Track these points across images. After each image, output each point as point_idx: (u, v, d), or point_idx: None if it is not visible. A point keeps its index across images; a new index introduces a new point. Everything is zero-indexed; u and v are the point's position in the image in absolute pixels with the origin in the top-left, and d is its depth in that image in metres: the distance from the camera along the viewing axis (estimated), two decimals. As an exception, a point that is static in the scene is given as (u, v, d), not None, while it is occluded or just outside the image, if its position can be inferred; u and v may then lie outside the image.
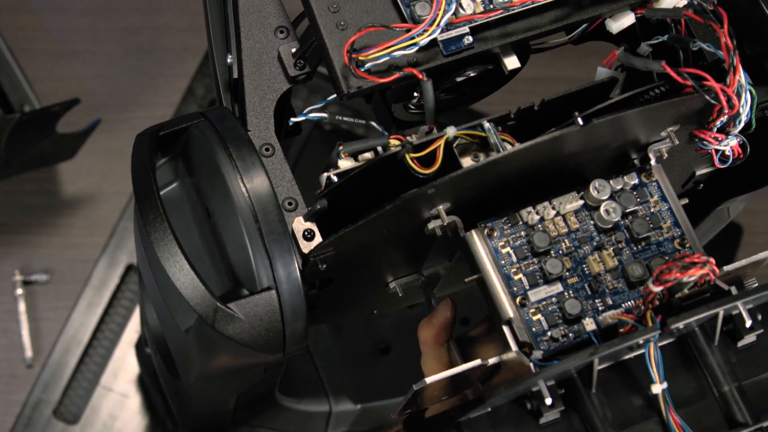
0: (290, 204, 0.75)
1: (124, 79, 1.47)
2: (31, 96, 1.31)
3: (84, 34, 1.48)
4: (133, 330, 1.39)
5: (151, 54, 1.48)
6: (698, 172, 0.83)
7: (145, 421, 1.36)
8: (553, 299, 0.74)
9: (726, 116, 0.73)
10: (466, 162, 0.74)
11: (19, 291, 1.40)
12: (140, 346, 1.35)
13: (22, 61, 1.33)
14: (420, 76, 0.72)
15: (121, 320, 1.40)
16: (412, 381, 1.16)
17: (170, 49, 1.48)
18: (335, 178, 0.73)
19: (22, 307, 1.39)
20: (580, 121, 0.71)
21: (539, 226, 0.75)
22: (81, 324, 1.37)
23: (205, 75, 1.45)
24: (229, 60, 0.80)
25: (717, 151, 0.77)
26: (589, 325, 0.73)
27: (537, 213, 0.75)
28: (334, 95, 0.76)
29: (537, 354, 0.71)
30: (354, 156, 0.75)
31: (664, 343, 0.73)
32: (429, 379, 0.71)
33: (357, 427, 1.18)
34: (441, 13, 0.72)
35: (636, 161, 0.78)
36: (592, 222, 0.76)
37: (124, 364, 1.37)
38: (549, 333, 0.73)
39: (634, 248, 0.75)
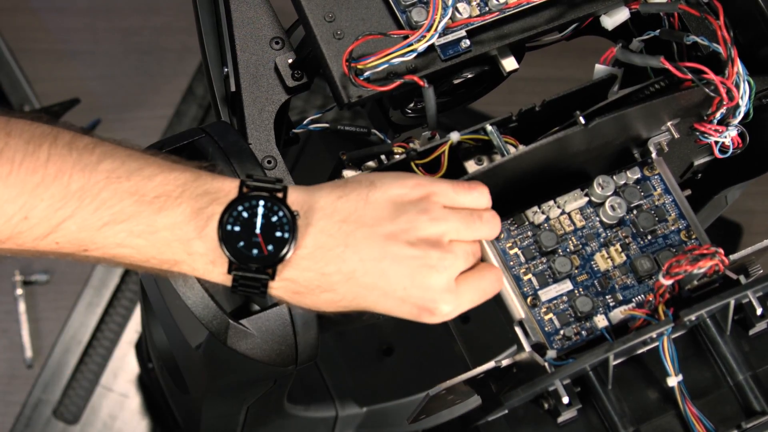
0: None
1: (124, 79, 1.47)
2: (31, 96, 1.31)
3: (84, 34, 1.48)
4: (133, 330, 1.39)
5: (151, 54, 1.48)
6: (696, 162, 0.84)
7: (145, 421, 1.36)
8: (564, 298, 0.74)
9: (725, 108, 0.74)
10: (471, 166, 0.74)
11: (19, 291, 1.40)
12: (140, 346, 1.35)
13: (22, 61, 1.33)
14: (421, 83, 0.72)
15: (121, 320, 1.40)
16: (416, 381, 1.17)
17: (170, 49, 1.48)
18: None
19: (22, 307, 1.39)
20: (582, 120, 0.71)
21: (545, 225, 0.75)
22: (81, 324, 1.38)
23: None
24: (224, 72, 0.80)
25: (717, 142, 0.77)
26: (601, 321, 0.73)
27: (543, 212, 0.76)
28: (334, 104, 0.76)
29: (551, 353, 0.72)
30: (358, 165, 0.75)
31: (677, 335, 0.73)
32: (443, 384, 0.71)
33: (363, 429, 1.18)
34: (438, 17, 0.72)
35: (637, 155, 0.78)
36: (597, 219, 0.76)
37: (124, 364, 1.38)
38: (562, 331, 0.73)
39: (641, 242, 0.76)
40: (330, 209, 0.64)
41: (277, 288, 0.65)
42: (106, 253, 0.63)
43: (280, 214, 0.63)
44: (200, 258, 0.63)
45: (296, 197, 0.64)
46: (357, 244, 0.64)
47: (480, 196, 0.68)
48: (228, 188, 0.64)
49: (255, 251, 0.63)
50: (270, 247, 0.63)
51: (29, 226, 0.62)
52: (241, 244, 0.62)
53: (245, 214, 0.63)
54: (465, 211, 0.66)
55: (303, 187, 0.66)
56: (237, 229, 0.62)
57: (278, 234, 0.63)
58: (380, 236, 0.64)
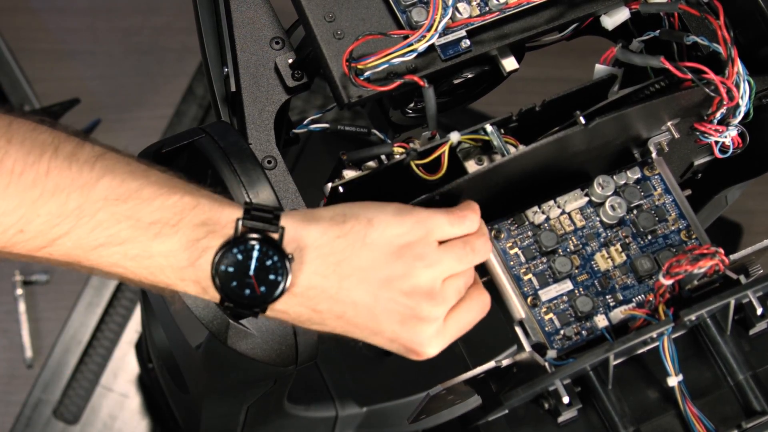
0: (296, 216, 0.75)
1: (124, 79, 1.47)
2: (31, 96, 1.31)
3: (84, 34, 1.48)
4: (133, 330, 1.39)
5: (151, 54, 1.48)
6: (696, 162, 0.84)
7: (145, 421, 1.36)
8: (564, 298, 0.74)
9: (726, 108, 0.74)
10: (471, 166, 0.74)
11: (19, 291, 1.40)
12: (140, 346, 1.35)
13: (22, 61, 1.33)
14: (421, 83, 0.72)
15: (121, 320, 1.40)
16: (416, 381, 1.16)
17: (170, 49, 1.48)
18: (341, 189, 0.73)
19: (22, 307, 1.40)
20: (582, 120, 0.71)
21: (546, 225, 0.75)
22: (81, 324, 1.38)
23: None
24: (224, 72, 0.80)
25: (717, 142, 0.77)
26: (602, 321, 0.73)
27: (543, 212, 0.76)
28: (334, 104, 0.76)
29: (551, 353, 0.72)
30: (358, 165, 0.75)
31: (677, 335, 0.73)
32: (443, 384, 0.71)
33: (362, 429, 1.18)
34: (438, 17, 0.72)
35: (637, 155, 0.78)
36: (597, 218, 0.76)
37: (124, 364, 1.38)
38: (562, 331, 0.73)
39: (641, 242, 0.76)
40: (326, 249, 0.64)
41: (267, 315, 0.65)
42: (100, 269, 0.64)
43: (275, 258, 0.63)
44: (192, 284, 0.63)
45: (292, 234, 0.64)
46: (350, 288, 0.64)
47: (472, 223, 0.69)
48: (225, 221, 0.63)
49: (247, 291, 0.63)
50: (263, 289, 0.63)
51: (25, 239, 0.61)
52: (234, 284, 0.63)
53: (240, 257, 0.63)
54: (458, 246, 0.67)
55: (300, 216, 0.65)
56: (231, 270, 0.62)
57: (272, 277, 0.63)
58: (375, 281, 0.64)
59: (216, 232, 0.63)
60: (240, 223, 0.63)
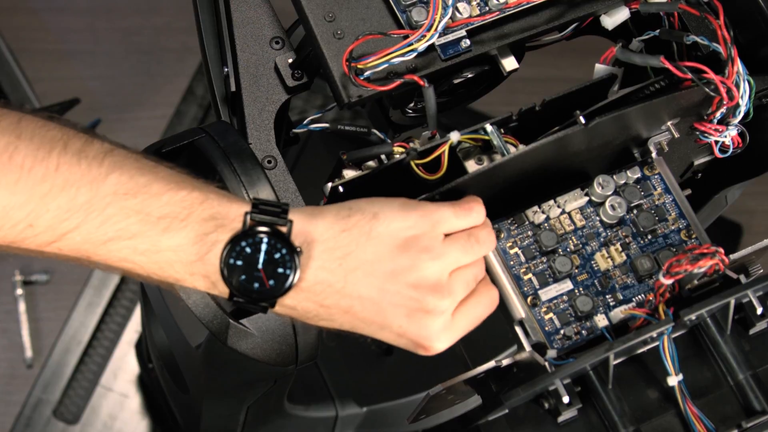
0: (296, 215, 0.75)
1: (124, 79, 1.47)
2: (31, 96, 1.31)
3: (84, 34, 1.48)
4: (133, 330, 1.39)
5: (151, 54, 1.48)
6: (696, 162, 0.84)
7: (145, 421, 1.36)
8: (564, 297, 0.74)
9: (725, 107, 0.74)
10: (471, 166, 0.74)
11: (19, 291, 1.40)
12: (140, 346, 1.35)
13: (22, 61, 1.34)
14: (422, 83, 0.72)
15: (121, 320, 1.40)
16: (416, 381, 1.17)
17: (170, 49, 1.48)
18: (341, 189, 0.73)
19: (22, 307, 1.40)
20: (582, 120, 0.71)
21: (546, 225, 0.76)
22: (81, 324, 1.38)
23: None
24: (224, 72, 0.80)
25: (717, 141, 0.77)
26: (602, 321, 0.73)
27: (543, 212, 0.76)
28: (334, 104, 0.76)
29: (552, 353, 0.72)
30: (358, 164, 0.75)
31: (677, 334, 0.73)
32: (444, 384, 0.71)
33: (363, 429, 1.18)
34: (438, 17, 0.72)
35: (637, 155, 0.78)
36: (597, 218, 0.76)
37: (124, 364, 1.38)
38: (562, 331, 0.73)
39: (641, 242, 0.76)
40: (332, 243, 0.64)
41: (276, 311, 0.65)
42: (109, 264, 0.64)
43: (283, 251, 0.63)
44: (202, 279, 0.63)
45: (299, 228, 0.64)
46: (356, 282, 0.64)
47: (478, 215, 0.69)
48: (234, 215, 0.63)
49: (256, 285, 0.63)
50: (271, 282, 0.63)
51: (34, 233, 0.61)
52: (243, 277, 0.63)
53: (248, 250, 0.63)
54: (463, 237, 0.67)
55: (307, 211, 0.65)
56: (239, 263, 0.63)
57: (280, 270, 0.63)
58: (380, 275, 0.64)
59: (225, 226, 0.63)
60: (248, 216, 0.63)
